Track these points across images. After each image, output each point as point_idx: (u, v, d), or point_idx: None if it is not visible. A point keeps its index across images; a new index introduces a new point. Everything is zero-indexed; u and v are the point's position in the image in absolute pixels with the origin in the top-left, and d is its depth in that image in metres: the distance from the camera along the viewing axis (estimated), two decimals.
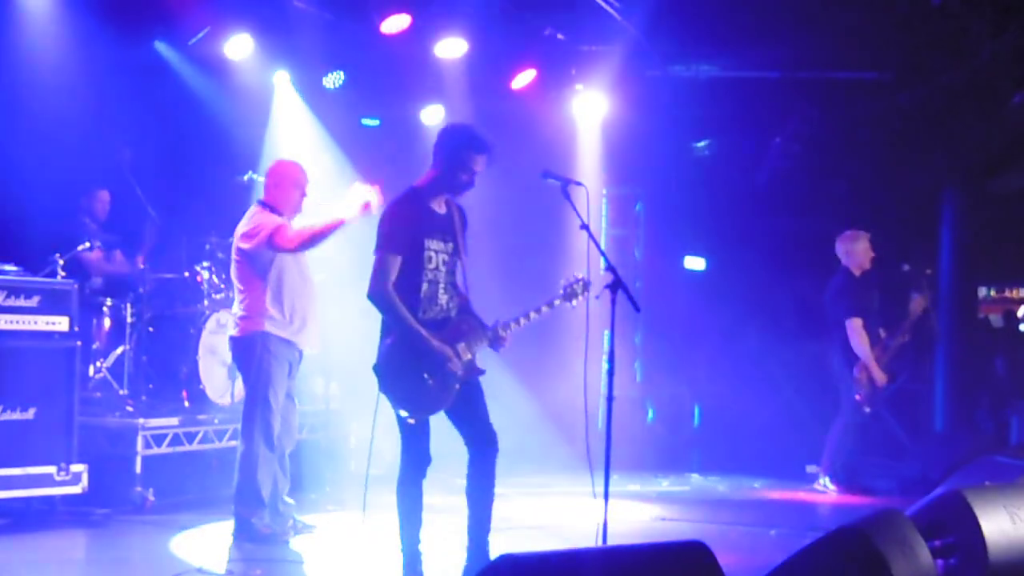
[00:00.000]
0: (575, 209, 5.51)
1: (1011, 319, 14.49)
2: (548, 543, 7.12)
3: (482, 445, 5.65)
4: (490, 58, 10.41)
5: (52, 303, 7.31)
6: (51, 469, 7.19)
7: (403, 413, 5.52)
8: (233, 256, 7.04)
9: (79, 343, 7.51)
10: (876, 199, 11.98)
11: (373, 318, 5.73)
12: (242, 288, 6.96)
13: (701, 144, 12.59)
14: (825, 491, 9.73)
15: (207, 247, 9.36)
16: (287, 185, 7.07)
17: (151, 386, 9.04)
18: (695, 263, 12.41)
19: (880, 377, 9.68)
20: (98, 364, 8.77)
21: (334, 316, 8.97)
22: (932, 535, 5.03)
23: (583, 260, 5.83)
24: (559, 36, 10.36)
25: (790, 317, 10.50)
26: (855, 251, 9.97)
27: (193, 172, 9.56)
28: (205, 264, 9.35)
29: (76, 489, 7.32)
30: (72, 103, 8.88)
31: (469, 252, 5.85)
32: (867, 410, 9.71)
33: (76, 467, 7.31)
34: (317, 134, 10.70)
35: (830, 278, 10.05)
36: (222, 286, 9.33)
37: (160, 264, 9.47)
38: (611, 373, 5.47)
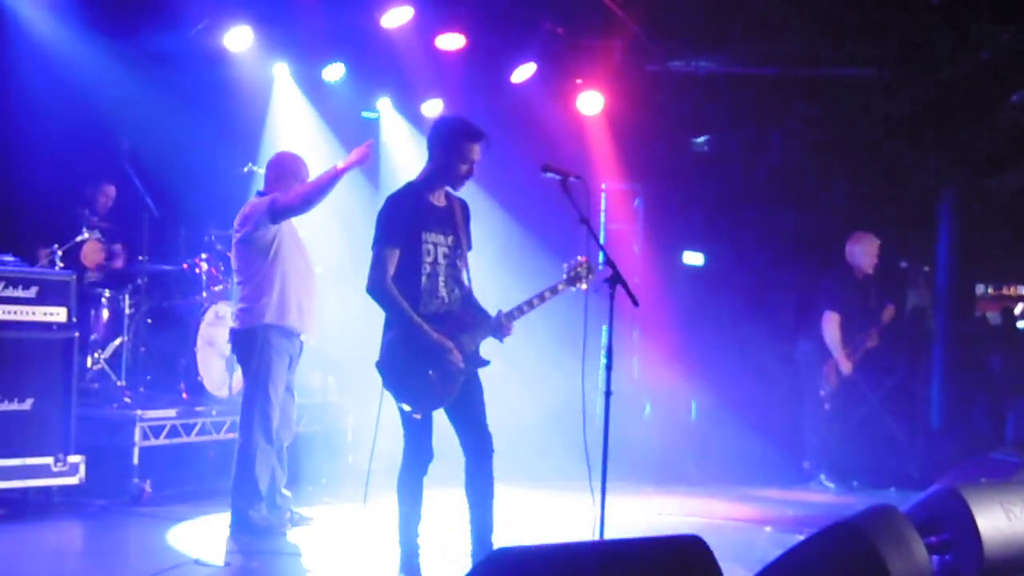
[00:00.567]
0: (574, 203, 5.51)
1: (1008, 317, 14.50)
2: (544, 537, 7.13)
3: (477, 448, 5.66)
4: (490, 52, 10.40)
5: (50, 294, 7.32)
6: (48, 460, 7.20)
7: (407, 408, 5.51)
8: (233, 247, 7.04)
9: (77, 334, 7.52)
10: (874, 196, 11.98)
11: (372, 311, 5.73)
12: (242, 279, 6.97)
13: (700, 140, 12.58)
14: (826, 489, 9.76)
15: (206, 239, 9.37)
16: (288, 177, 7.08)
17: (149, 377, 9.05)
18: (693, 258, 12.41)
19: (846, 367, 9.78)
20: (96, 355, 8.77)
21: (332, 309, 9.00)
22: (928, 531, 5.06)
23: (582, 254, 5.84)
24: (558, 31, 10.35)
25: (788, 313, 10.49)
26: (863, 253, 10.05)
27: (192, 164, 9.55)
28: (204, 256, 9.36)
29: (73, 480, 7.33)
30: (70, 94, 8.88)
31: (475, 247, 5.86)
32: (827, 407, 9.79)
33: (73, 458, 7.32)
34: (316, 126, 10.69)
35: (818, 274, 10.14)
36: (221, 278, 9.34)
37: (159, 256, 9.46)
38: (609, 368, 5.47)
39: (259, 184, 7.39)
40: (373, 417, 5.71)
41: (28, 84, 8.74)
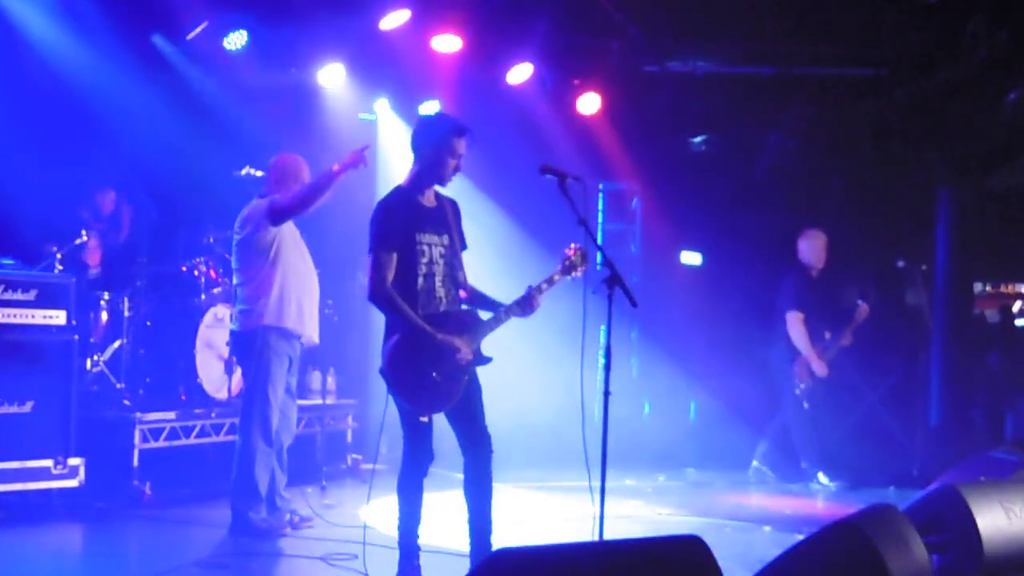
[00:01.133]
0: (573, 204, 5.51)
1: (1007, 315, 14.51)
2: (544, 537, 7.14)
3: (476, 449, 5.67)
4: (487, 53, 10.40)
5: (50, 297, 7.33)
6: (48, 463, 7.22)
7: (424, 420, 5.52)
8: (233, 248, 7.05)
9: (77, 337, 7.53)
10: (872, 195, 11.98)
11: (371, 312, 5.74)
12: (242, 281, 6.98)
13: (697, 140, 12.59)
14: (823, 487, 9.79)
15: (205, 242, 9.37)
16: (289, 180, 7.09)
17: (148, 380, 9.06)
18: (691, 258, 12.42)
19: (821, 369, 9.83)
20: (95, 358, 8.78)
21: (331, 311, 9.01)
22: (927, 530, 5.05)
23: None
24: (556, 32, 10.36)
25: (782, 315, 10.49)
26: (810, 249, 10.09)
27: (191, 167, 9.56)
28: (203, 258, 9.36)
29: (73, 483, 7.34)
30: (70, 96, 8.89)
31: (473, 248, 5.87)
32: (805, 405, 9.81)
33: (73, 460, 7.33)
34: (315, 128, 10.69)
35: (821, 273, 10.15)
36: (220, 280, 9.34)
37: (158, 258, 9.46)
38: (608, 368, 5.47)
39: (261, 187, 7.39)
40: (374, 419, 5.73)
41: (27, 86, 8.75)
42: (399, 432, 5.68)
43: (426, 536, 5.78)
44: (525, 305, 5.74)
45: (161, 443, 8.16)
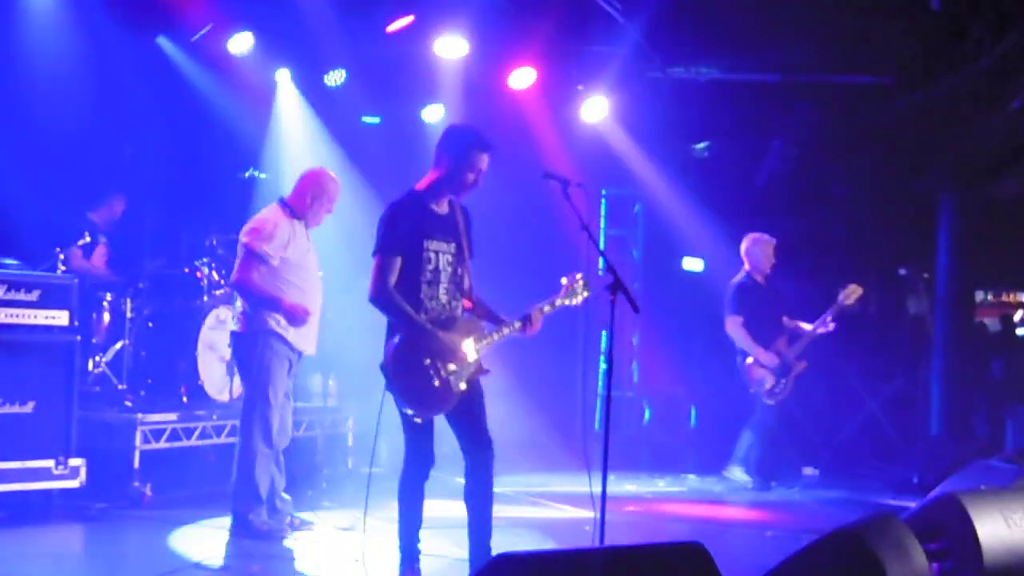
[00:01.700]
0: (575, 210, 5.52)
1: (1008, 323, 14.52)
2: (545, 543, 7.14)
3: (478, 452, 5.67)
4: (491, 58, 10.42)
5: (52, 297, 7.32)
6: (49, 463, 7.21)
7: (409, 412, 5.52)
8: (240, 250, 7.04)
9: (79, 337, 7.52)
10: (874, 203, 12.00)
11: (372, 315, 5.74)
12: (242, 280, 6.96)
13: (700, 145, 12.60)
14: (736, 481, 9.79)
15: (207, 243, 9.38)
16: (313, 196, 7.08)
17: (150, 381, 9.05)
18: (693, 264, 12.43)
19: (769, 359, 9.72)
20: (97, 359, 8.78)
21: (332, 314, 9.00)
22: (927, 538, 5.06)
23: (583, 260, 5.86)
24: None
25: (786, 317, 10.50)
26: (757, 254, 10.04)
27: (194, 168, 9.57)
28: (205, 260, 9.36)
29: (74, 483, 7.32)
30: (74, 98, 8.90)
31: (475, 253, 5.88)
32: (770, 403, 9.76)
33: (74, 461, 7.32)
34: (318, 131, 10.71)
35: (818, 280, 10.15)
36: (222, 282, 9.35)
37: (160, 259, 9.47)
38: (609, 373, 5.48)
39: (266, 188, 7.39)
40: (374, 421, 5.73)
41: (32, 88, 8.76)
42: (399, 436, 5.69)
43: (426, 540, 5.77)
44: (526, 324, 5.77)
45: (162, 444, 8.16)
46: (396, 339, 5.51)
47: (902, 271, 10.43)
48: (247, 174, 8.98)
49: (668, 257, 12.17)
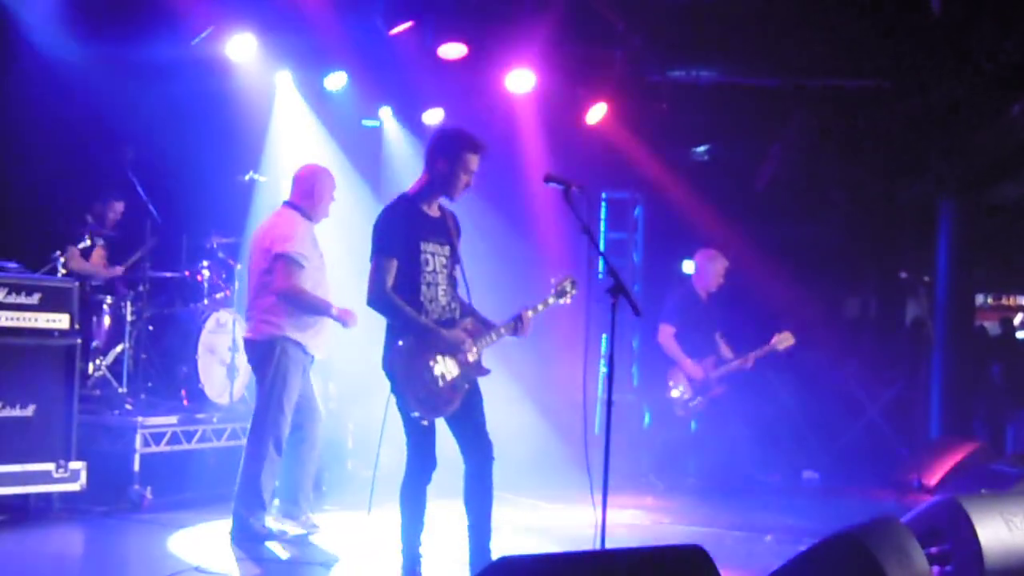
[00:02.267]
0: (576, 213, 5.52)
1: (1008, 327, 14.52)
2: (546, 546, 7.14)
3: (478, 455, 5.68)
4: (491, 62, 10.42)
5: (53, 301, 7.32)
6: (50, 466, 7.21)
7: (415, 414, 5.52)
8: (254, 255, 7.00)
9: (79, 341, 7.53)
10: (874, 207, 12.01)
11: (370, 318, 5.75)
12: (262, 289, 6.94)
13: (700, 149, 12.61)
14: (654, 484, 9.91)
15: (208, 246, 9.38)
16: (320, 191, 7.09)
17: (150, 384, 9.06)
18: (693, 268, 12.42)
19: (695, 371, 9.79)
20: (98, 362, 8.77)
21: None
22: (928, 542, 5.06)
23: (584, 263, 5.87)
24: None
25: (787, 322, 10.50)
26: (707, 270, 10.07)
27: (194, 171, 9.57)
28: (206, 263, 9.37)
29: (74, 486, 7.33)
30: (74, 102, 8.90)
31: (475, 256, 5.89)
32: (680, 414, 9.81)
33: (75, 464, 7.32)
34: (318, 135, 10.71)
35: (818, 285, 10.16)
36: (223, 285, 9.35)
37: (161, 263, 9.47)
38: (610, 377, 5.48)
39: (265, 191, 7.38)
40: (374, 425, 5.73)
41: (31, 92, 8.76)
42: (400, 440, 5.69)
43: (428, 544, 5.77)
44: (517, 326, 5.79)
45: (162, 448, 8.16)
46: (400, 341, 5.50)
47: (902, 275, 10.43)
48: (247, 177, 8.97)
49: (668, 260, 12.17)
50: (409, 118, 11.23)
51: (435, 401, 5.52)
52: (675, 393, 9.82)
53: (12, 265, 7.41)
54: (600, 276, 9.57)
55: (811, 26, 9.97)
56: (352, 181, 10.09)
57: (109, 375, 8.77)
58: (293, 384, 6.92)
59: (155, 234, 9.09)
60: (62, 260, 8.08)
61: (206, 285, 9.33)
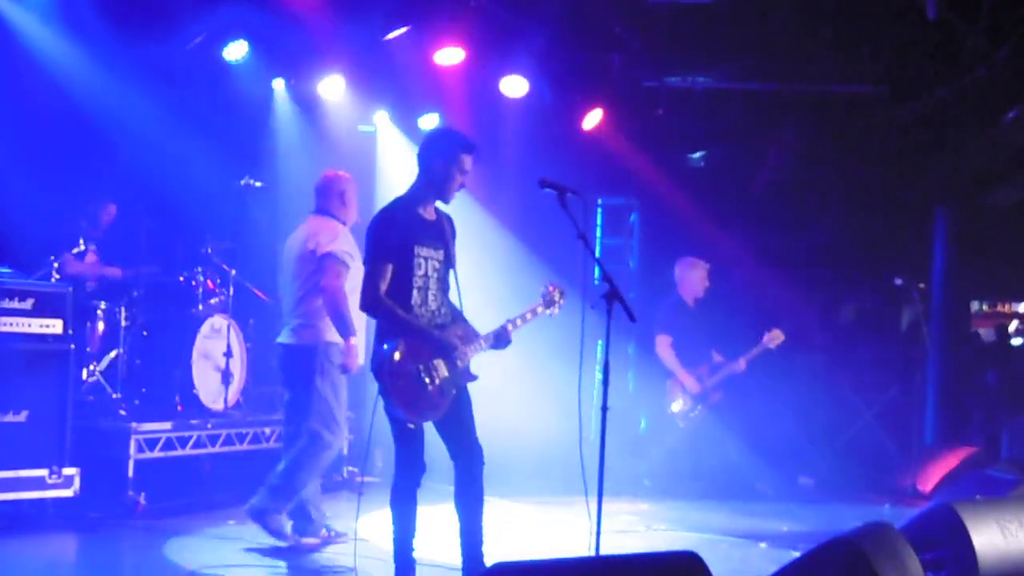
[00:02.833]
0: (572, 219, 5.52)
1: (1003, 333, 14.52)
2: (541, 553, 7.12)
3: (468, 459, 5.68)
4: (487, 67, 10.41)
5: (46, 306, 7.32)
6: (43, 472, 7.20)
7: (402, 417, 5.50)
8: (300, 263, 6.98)
9: (73, 346, 7.52)
10: (870, 212, 12.00)
11: (367, 324, 5.74)
12: (304, 294, 6.94)
13: (696, 155, 12.61)
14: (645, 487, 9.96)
15: (202, 252, 9.36)
16: (351, 196, 7.16)
17: (144, 390, 9.02)
18: (677, 278, 12.41)
19: (691, 385, 9.87)
20: (91, 367, 8.75)
21: None
22: (923, 548, 5.05)
23: (579, 269, 5.87)
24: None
25: (783, 328, 10.50)
26: (690, 278, 10.15)
27: (190, 176, 9.55)
28: (200, 268, 9.35)
29: (68, 492, 7.32)
30: (68, 106, 8.89)
31: (471, 262, 5.89)
32: (681, 425, 9.84)
33: (68, 470, 7.31)
34: (314, 140, 10.70)
35: (814, 290, 10.16)
36: (217, 291, 9.34)
37: (154, 267, 9.45)
38: (606, 383, 5.47)
39: (261, 196, 7.36)
40: (367, 431, 5.72)
41: (26, 96, 8.74)
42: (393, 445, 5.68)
43: (421, 549, 5.76)
44: (500, 337, 5.79)
45: (156, 453, 8.14)
46: (391, 344, 5.49)
47: (897, 281, 10.41)
48: (242, 182, 8.96)
49: (664, 266, 12.16)
50: (405, 123, 11.22)
51: (422, 405, 5.51)
52: (675, 407, 9.88)
53: (5, 270, 7.41)
54: (596, 282, 9.58)
55: (806, 32, 9.98)
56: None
57: (103, 380, 8.75)
58: (341, 386, 6.94)
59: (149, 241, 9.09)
60: (55, 265, 8.06)
61: (201, 290, 9.31)
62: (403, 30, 9.50)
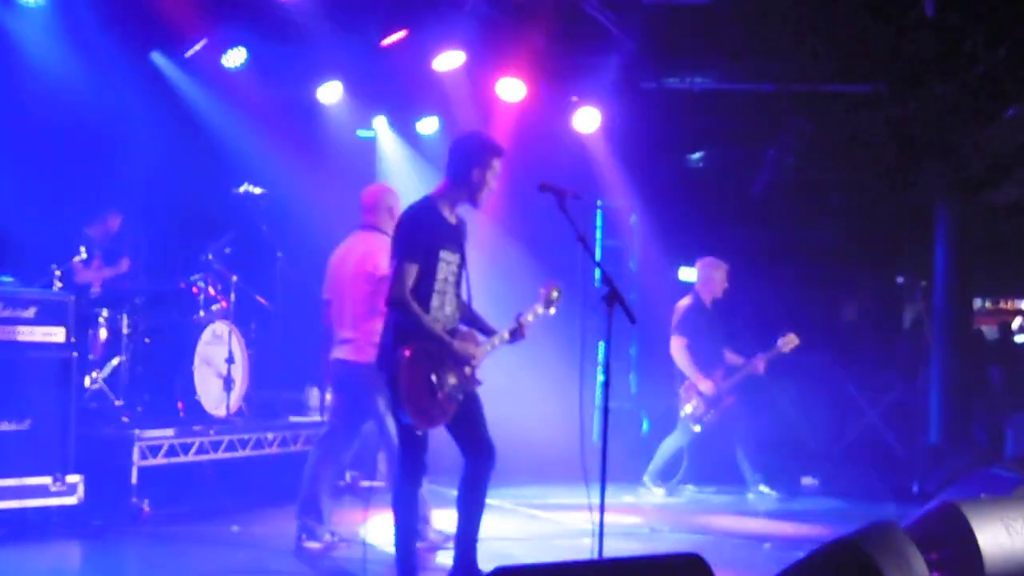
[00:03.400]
0: (572, 221, 5.53)
1: (1006, 331, 14.53)
2: (543, 555, 7.12)
3: (480, 457, 5.68)
4: (485, 70, 10.41)
5: (49, 314, 7.32)
6: (47, 480, 7.19)
7: (410, 424, 5.50)
8: (359, 283, 6.94)
9: (75, 354, 7.52)
10: (871, 211, 12.00)
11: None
12: (364, 314, 6.89)
13: (695, 156, 12.61)
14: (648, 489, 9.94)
15: (204, 258, 9.36)
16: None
17: (147, 397, 9.03)
18: (690, 275, 12.41)
19: (706, 387, 9.79)
20: (94, 375, 8.75)
21: None
22: (928, 547, 5.04)
23: (579, 271, 5.87)
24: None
25: (784, 328, 10.50)
26: (712, 279, 10.10)
27: (190, 183, 9.56)
28: (201, 275, 9.35)
29: (72, 500, 7.31)
30: (69, 114, 8.90)
31: (471, 264, 5.90)
32: (696, 428, 9.81)
33: (72, 478, 7.31)
34: (314, 146, 10.71)
35: (816, 290, 10.14)
36: (219, 297, 9.33)
37: (157, 275, 9.46)
38: (607, 384, 5.47)
39: (261, 203, 7.34)
40: (372, 435, 5.72)
41: (27, 104, 8.76)
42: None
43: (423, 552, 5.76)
44: (515, 334, 5.81)
45: (159, 460, 8.14)
46: (406, 348, 5.48)
47: (899, 279, 10.42)
48: (242, 189, 8.97)
49: (664, 268, 12.16)
50: (403, 127, 11.22)
51: (432, 412, 5.51)
52: (688, 408, 9.84)
53: (8, 279, 7.41)
54: (597, 284, 9.57)
55: (805, 31, 9.97)
56: (349, 191, 10.07)
57: (106, 388, 8.75)
58: None
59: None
60: (57, 274, 8.07)
61: (202, 297, 9.31)
62: (400, 35, 9.50)
